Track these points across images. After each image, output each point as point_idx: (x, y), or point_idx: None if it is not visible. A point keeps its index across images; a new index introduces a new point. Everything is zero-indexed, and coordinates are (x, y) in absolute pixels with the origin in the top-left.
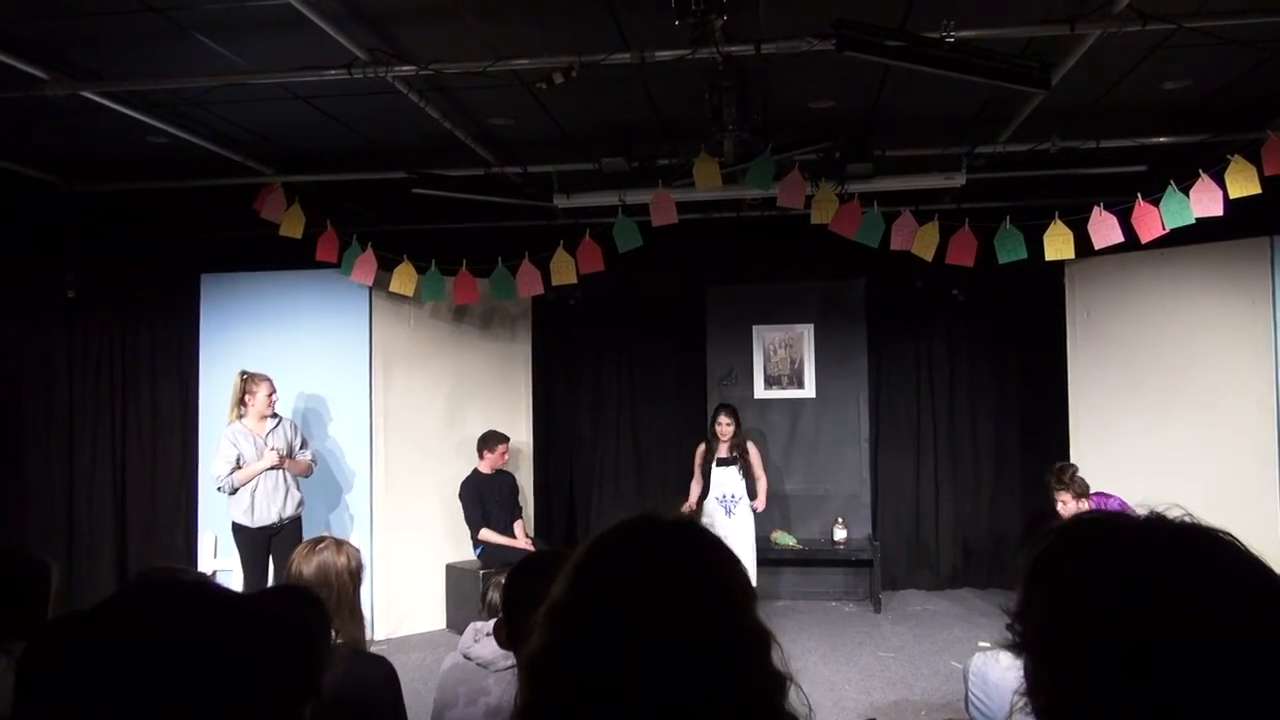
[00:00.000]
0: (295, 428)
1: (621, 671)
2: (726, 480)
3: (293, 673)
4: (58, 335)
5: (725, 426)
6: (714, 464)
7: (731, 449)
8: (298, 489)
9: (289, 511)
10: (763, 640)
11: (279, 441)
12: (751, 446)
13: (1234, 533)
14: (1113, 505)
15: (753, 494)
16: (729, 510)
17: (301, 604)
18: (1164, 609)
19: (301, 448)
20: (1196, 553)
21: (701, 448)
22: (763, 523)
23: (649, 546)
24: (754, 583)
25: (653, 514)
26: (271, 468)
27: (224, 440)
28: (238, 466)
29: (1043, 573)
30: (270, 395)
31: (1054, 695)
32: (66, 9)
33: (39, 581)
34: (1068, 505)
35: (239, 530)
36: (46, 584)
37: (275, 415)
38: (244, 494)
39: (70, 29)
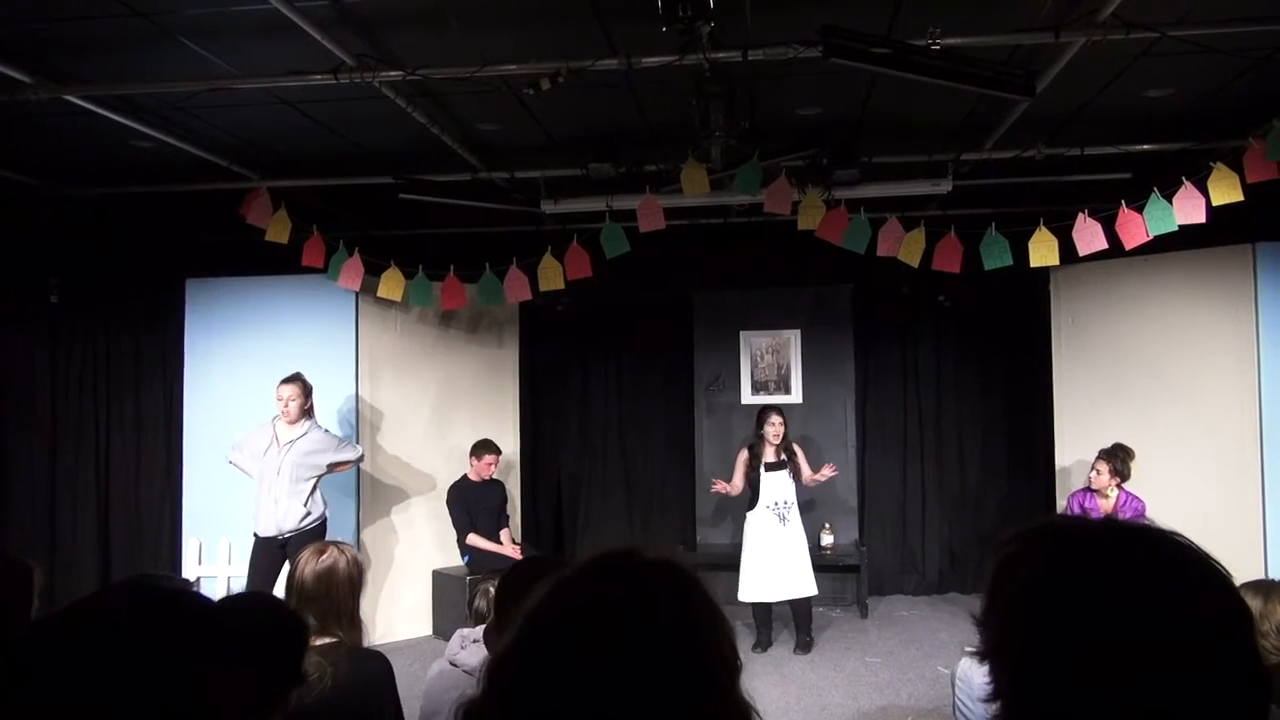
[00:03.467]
0: (328, 438)
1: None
2: (778, 486)
3: (255, 672)
4: (41, 340)
5: (777, 427)
6: (762, 469)
7: (779, 452)
8: (301, 505)
9: (289, 525)
10: (729, 680)
11: (296, 453)
12: (798, 448)
13: (1218, 534)
14: (1134, 506)
15: (801, 492)
16: (783, 518)
17: (265, 610)
18: (1107, 618)
19: (339, 451)
20: (1146, 557)
21: (744, 454)
22: None
23: (616, 605)
24: (814, 589)
25: (628, 554)
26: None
27: (245, 433)
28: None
29: (999, 581)
30: (282, 400)
31: (1010, 700)
32: (50, 13)
33: (21, 584)
34: (1100, 475)
35: (254, 534)
36: (29, 586)
37: (307, 419)
38: (255, 498)
39: (54, 33)
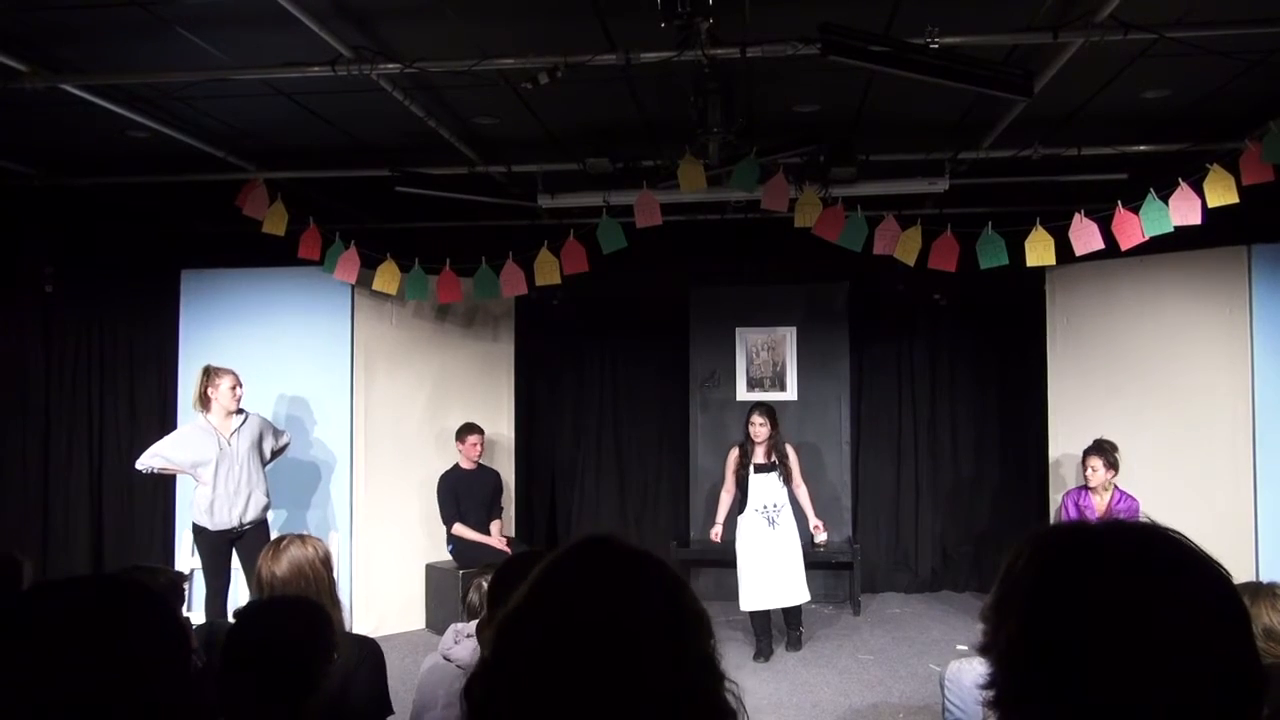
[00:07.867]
0: (265, 422)
1: (560, 712)
2: (767, 488)
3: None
4: (34, 330)
5: (759, 427)
6: (751, 471)
7: (769, 453)
8: (263, 494)
9: (250, 516)
10: (711, 680)
11: (246, 441)
12: (791, 451)
13: (1209, 535)
14: (1128, 504)
15: (796, 508)
16: (772, 521)
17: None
18: (1108, 618)
19: (277, 437)
20: (1148, 558)
21: (735, 453)
22: None
23: (594, 588)
24: (805, 596)
25: (608, 540)
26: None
27: (177, 434)
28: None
29: (1005, 578)
30: (233, 389)
31: (1008, 696)
32: (47, 1)
33: (10, 577)
34: (1097, 472)
35: (199, 532)
36: (19, 580)
37: (241, 411)
38: (204, 494)
39: (50, 21)
